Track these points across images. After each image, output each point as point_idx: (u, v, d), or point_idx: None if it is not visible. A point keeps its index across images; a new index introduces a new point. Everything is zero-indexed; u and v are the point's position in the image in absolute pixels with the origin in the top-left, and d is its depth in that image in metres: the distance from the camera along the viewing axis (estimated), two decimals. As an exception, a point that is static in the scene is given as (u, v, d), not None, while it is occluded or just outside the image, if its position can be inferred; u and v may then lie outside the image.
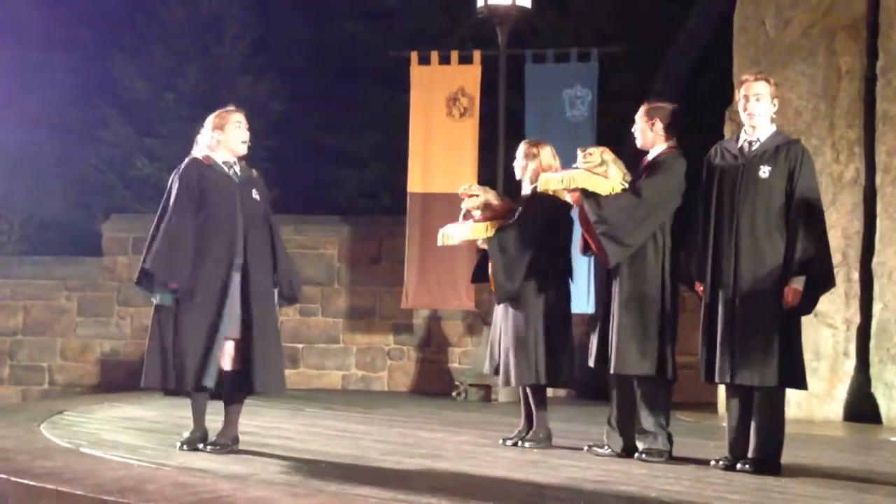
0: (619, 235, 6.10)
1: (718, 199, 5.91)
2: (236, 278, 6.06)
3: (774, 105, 5.92)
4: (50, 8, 15.01)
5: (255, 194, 6.22)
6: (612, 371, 6.17)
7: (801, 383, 5.84)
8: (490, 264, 6.76)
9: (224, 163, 6.22)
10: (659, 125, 6.29)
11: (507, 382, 6.85)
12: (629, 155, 6.56)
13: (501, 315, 6.85)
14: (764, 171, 5.80)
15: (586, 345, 6.75)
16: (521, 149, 6.89)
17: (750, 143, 5.91)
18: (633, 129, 6.41)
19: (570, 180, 6.19)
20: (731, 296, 5.78)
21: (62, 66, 14.75)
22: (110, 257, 12.41)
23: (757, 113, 5.87)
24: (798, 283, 5.69)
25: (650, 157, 6.33)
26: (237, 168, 6.25)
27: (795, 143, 5.94)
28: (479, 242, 6.92)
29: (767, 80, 5.94)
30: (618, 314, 6.15)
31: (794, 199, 5.74)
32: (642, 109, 6.36)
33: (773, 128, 5.95)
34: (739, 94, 5.96)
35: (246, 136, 6.27)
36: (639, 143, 6.39)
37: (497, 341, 6.87)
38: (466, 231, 6.89)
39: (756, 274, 5.74)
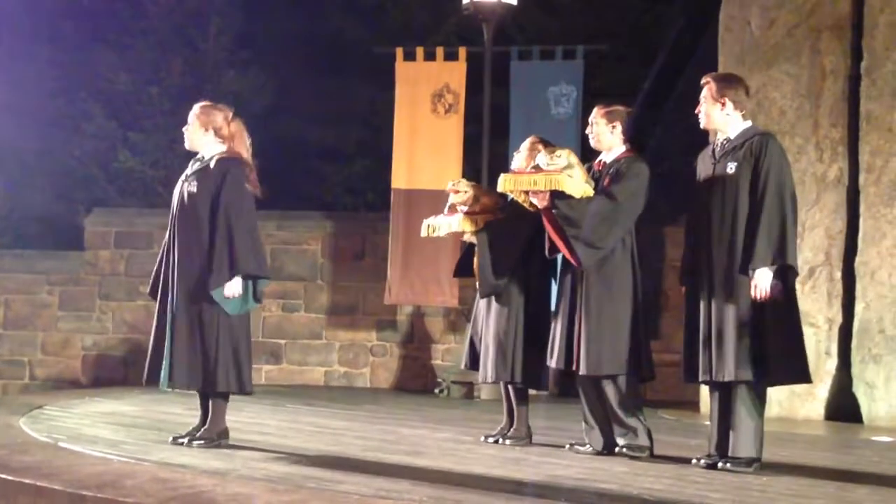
0: (592, 239, 6.08)
1: (697, 201, 5.93)
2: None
3: (722, 104, 5.85)
4: (33, 1, 14.94)
5: (192, 186, 6.10)
6: (583, 372, 6.13)
7: (789, 378, 5.83)
8: (477, 258, 6.74)
9: (194, 159, 6.26)
10: (619, 128, 6.31)
11: (486, 378, 6.84)
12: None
13: (484, 311, 6.84)
14: (731, 167, 5.79)
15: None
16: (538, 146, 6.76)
17: (722, 143, 5.92)
18: (588, 132, 6.40)
19: (549, 182, 6.08)
20: (708, 295, 5.78)
21: (45, 58, 14.69)
22: (92, 251, 12.36)
23: (699, 114, 5.91)
24: (762, 276, 5.65)
25: (608, 159, 6.32)
26: (199, 163, 6.20)
27: (761, 135, 5.89)
28: (465, 236, 6.90)
29: (708, 82, 5.91)
30: (586, 315, 6.12)
31: (758, 188, 5.70)
32: (601, 112, 6.35)
33: (747, 124, 5.92)
34: None
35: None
36: (594, 145, 6.39)
37: (478, 337, 6.87)
38: (454, 223, 6.81)
39: (729, 271, 5.72)
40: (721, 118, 5.88)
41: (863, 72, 9.38)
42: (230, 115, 6.25)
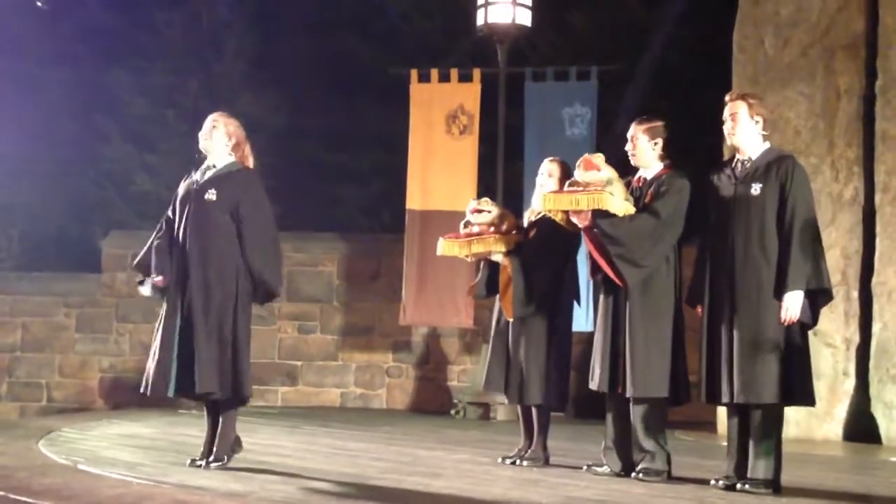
0: (636, 257, 6.02)
1: (715, 220, 5.91)
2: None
3: (756, 122, 5.85)
4: (50, 23, 15.05)
5: (210, 194, 6.10)
6: (633, 395, 6.07)
7: (805, 399, 5.80)
8: (512, 281, 6.68)
9: (206, 167, 6.25)
10: (660, 144, 6.25)
11: (515, 400, 6.81)
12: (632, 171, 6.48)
13: (507, 332, 6.82)
14: (755, 189, 5.77)
15: (585, 364, 6.67)
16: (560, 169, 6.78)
17: (742, 163, 5.90)
18: (629, 148, 6.30)
19: (591, 201, 6.00)
20: (730, 315, 5.76)
21: (62, 81, 14.77)
22: (109, 273, 12.39)
23: (734, 133, 5.87)
24: (793, 299, 5.68)
25: (649, 175, 6.25)
26: (214, 170, 6.21)
27: (787, 158, 5.90)
28: (493, 256, 6.82)
29: (744, 99, 5.91)
30: (631, 336, 6.06)
31: (787, 213, 5.71)
32: (642, 128, 6.25)
33: (766, 145, 5.93)
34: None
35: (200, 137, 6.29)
36: (635, 162, 6.29)
37: (503, 357, 6.83)
38: (490, 242, 6.75)
39: (752, 292, 5.72)
40: (752, 137, 5.87)
41: (877, 91, 9.39)
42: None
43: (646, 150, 6.25)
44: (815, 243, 5.74)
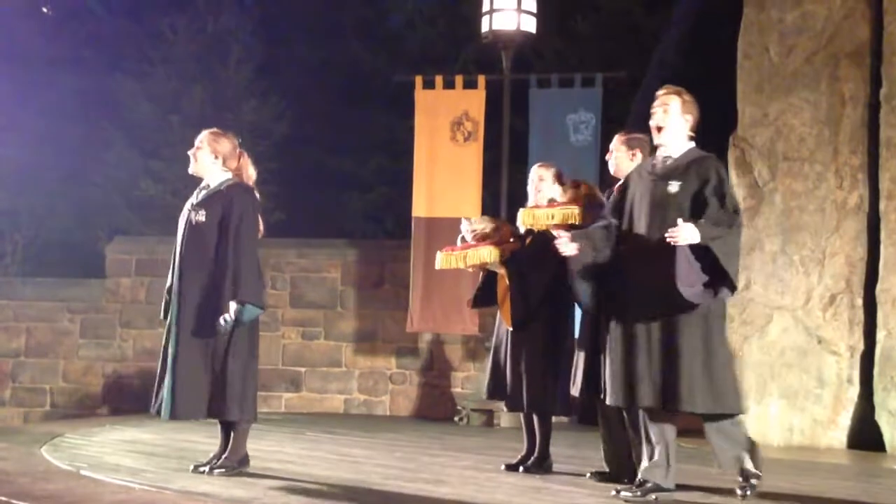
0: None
1: (630, 217, 5.73)
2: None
3: (686, 120, 5.68)
4: (56, 28, 15.10)
5: (200, 215, 6.10)
6: (611, 403, 6.08)
7: (733, 406, 5.59)
8: (510, 290, 6.71)
9: (200, 188, 6.26)
10: (639, 156, 6.22)
11: (514, 408, 6.82)
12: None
13: (507, 340, 6.82)
14: (673, 186, 5.57)
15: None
16: (548, 174, 6.81)
17: (664, 160, 5.72)
18: (608, 158, 6.36)
19: (565, 216, 6.09)
20: (646, 318, 5.50)
21: (67, 86, 14.82)
22: (113, 279, 12.41)
23: (663, 124, 5.66)
24: (691, 230, 5.30)
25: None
26: (206, 190, 6.21)
27: (709, 158, 5.69)
28: (490, 265, 6.87)
29: (679, 94, 5.72)
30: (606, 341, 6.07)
31: (709, 204, 5.44)
32: (621, 139, 6.29)
33: (691, 145, 5.73)
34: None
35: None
36: (613, 172, 6.31)
37: (503, 365, 6.85)
38: (484, 254, 6.79)
39: (668, 295, 5.39)
40: (679, 135, 5.68)
41: (882, 99, 9.38)
42: (237, 144, 6.30)
43: (622, 160, 6.26)
44: (732, 228, 5.42)
